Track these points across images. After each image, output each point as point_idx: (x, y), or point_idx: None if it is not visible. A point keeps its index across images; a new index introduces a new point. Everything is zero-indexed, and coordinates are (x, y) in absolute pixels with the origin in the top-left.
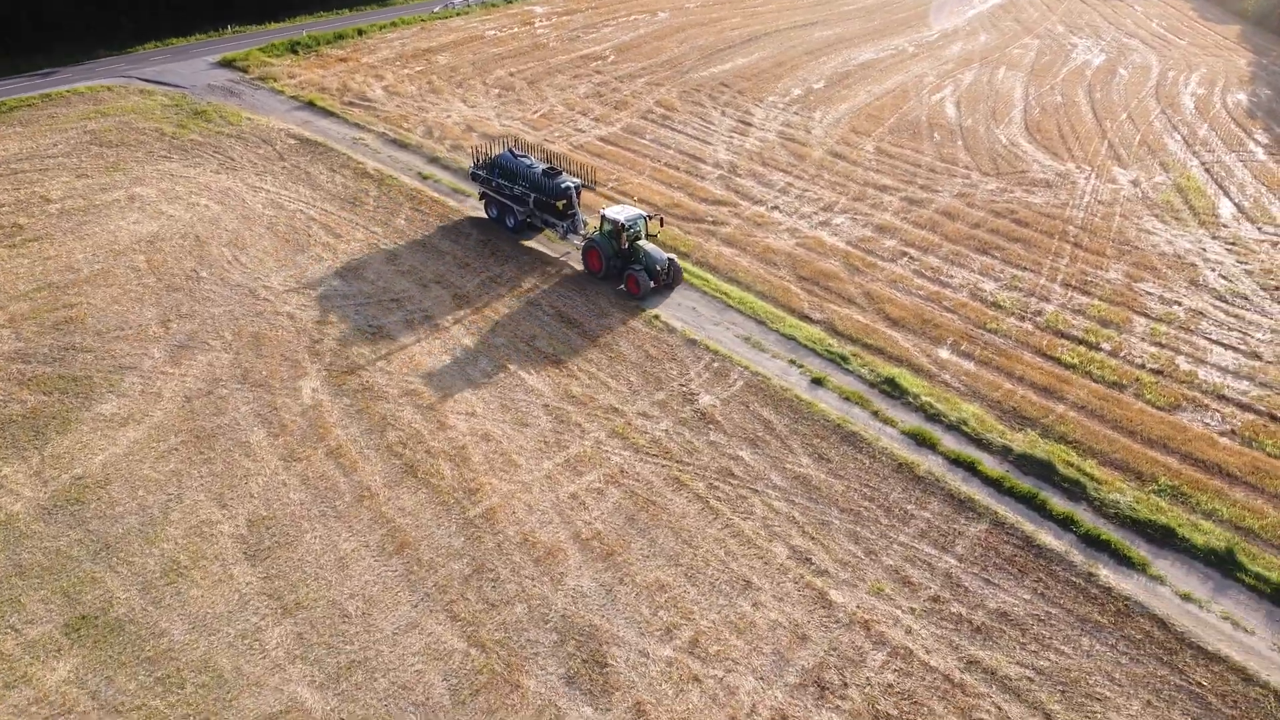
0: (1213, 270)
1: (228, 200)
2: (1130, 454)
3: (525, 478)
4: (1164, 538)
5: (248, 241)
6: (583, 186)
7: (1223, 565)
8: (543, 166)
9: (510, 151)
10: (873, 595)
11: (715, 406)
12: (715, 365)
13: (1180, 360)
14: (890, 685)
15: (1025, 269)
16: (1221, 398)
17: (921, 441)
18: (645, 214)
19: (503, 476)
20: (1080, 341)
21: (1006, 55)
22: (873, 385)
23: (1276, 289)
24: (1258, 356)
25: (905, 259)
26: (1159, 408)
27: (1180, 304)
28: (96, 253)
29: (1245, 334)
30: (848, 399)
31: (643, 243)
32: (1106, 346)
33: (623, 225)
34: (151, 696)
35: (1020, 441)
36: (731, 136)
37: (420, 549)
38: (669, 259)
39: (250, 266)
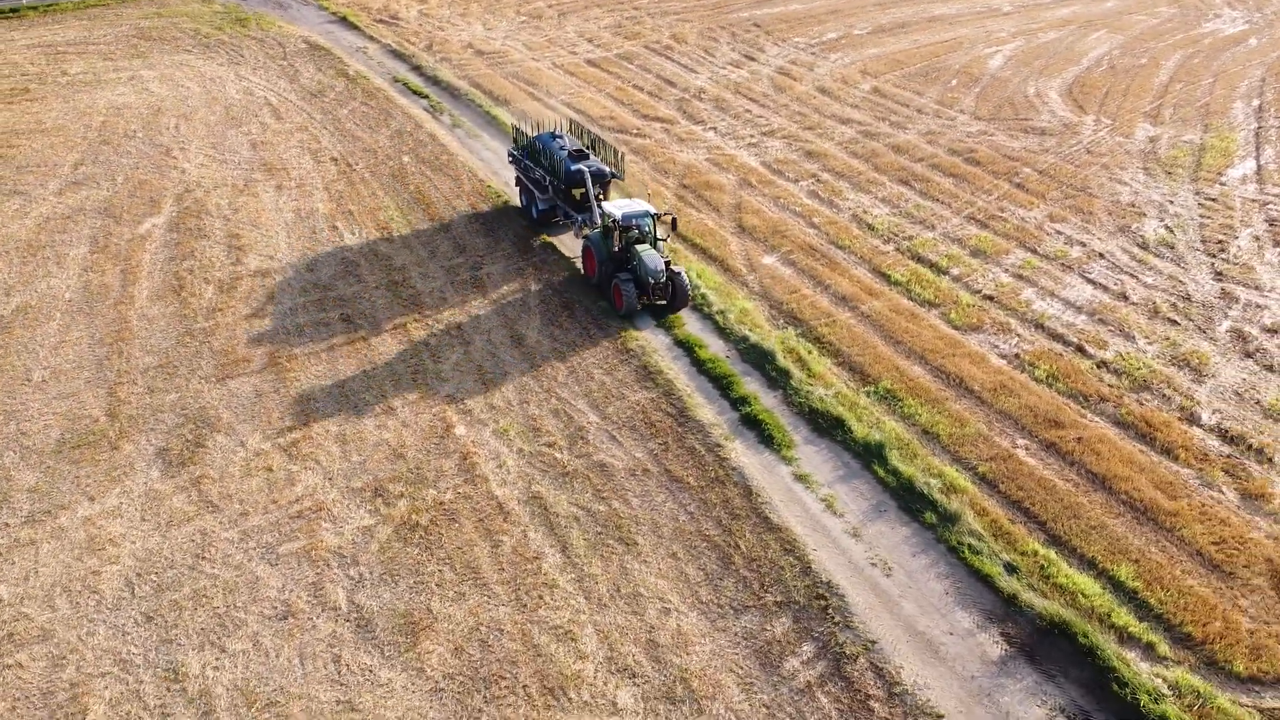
0: (1160, 221)
1: (210, 86)
2: (875, 359)
3: (271, 310)
4: (829, 428)
5: (198, 116)
6: (610, 175)
7: (867, 458)
8: (572, 147)
9: (551, 133)
10: (495, 435)
11: (491, 275)
12: (519, 243)
13: (1028, 291)
14: (442, 504)
15: (937, 200)
16: (1039, 327)
17: (660, 324)
18: (653, 211)
19: (249, 302)
20: (930, 265)
21: (1120, 21)
22: None
23: (1218, 243)
24: (1123, 298)
25: (810, 180)
26: (954, 326)
27: (1085, 245)
28: (67, 113)
29: (1134, 277)
30: None
31: (642, 247)
32: (955, 271)
33: (617, 221)
34: None
35: (761, 335)
36: (724, 69)
37: (132, 345)
38: (669, 271)
39: (183, 133)
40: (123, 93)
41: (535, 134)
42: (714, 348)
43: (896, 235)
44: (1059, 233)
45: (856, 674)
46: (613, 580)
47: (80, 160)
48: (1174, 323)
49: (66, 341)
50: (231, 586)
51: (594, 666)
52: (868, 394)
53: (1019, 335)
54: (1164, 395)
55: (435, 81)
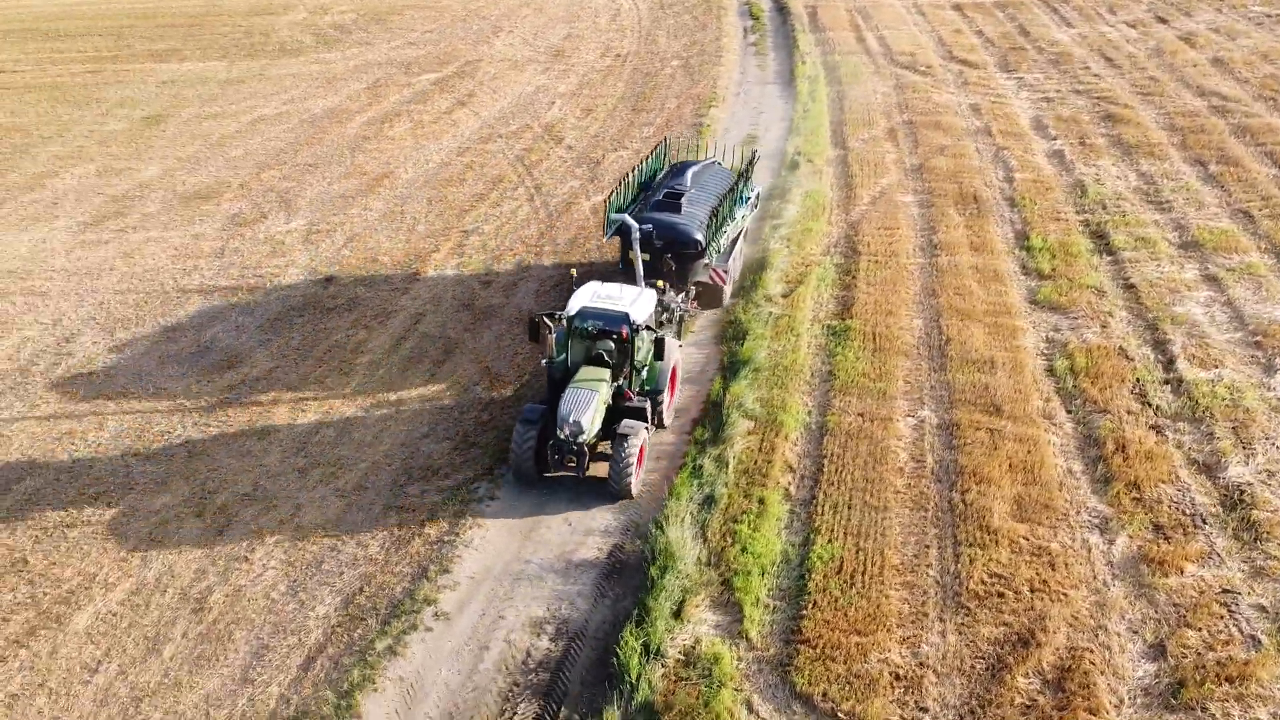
0: None
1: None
2: (882, 304)
3: (385, 143)
4: (733, 338)
5: (550, 10)
6: (691, 246)
7: (727, 371)
8: (677, 188)
9: (699, 162)
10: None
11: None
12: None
13: (1202, 294)
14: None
15: (1217, 186)
16: (1151, 328)
17: None
18: (634, 319)
19: (381, 140)
20: (1100, 240)
21: None
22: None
23: None
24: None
25: (1072, 142)
26: (1032, 301)
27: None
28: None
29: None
30: None
31: (587, 375)
32: (1126, 255)
33: (565, 320)
34: None
35: (790, 252)
36: (1112, 27)
37: (240, 147)
38: (608, 430)
39: (525, 21)
40: None
41: (685, 160)
42: None
43: (1103, 207)
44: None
45: None
46: None
47: (430, 29)
48: None
49: (255, 131)
50: None
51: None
52: (826, 327)
53: (1107, 329)
54: (1210, 434)
55: (781, 8)
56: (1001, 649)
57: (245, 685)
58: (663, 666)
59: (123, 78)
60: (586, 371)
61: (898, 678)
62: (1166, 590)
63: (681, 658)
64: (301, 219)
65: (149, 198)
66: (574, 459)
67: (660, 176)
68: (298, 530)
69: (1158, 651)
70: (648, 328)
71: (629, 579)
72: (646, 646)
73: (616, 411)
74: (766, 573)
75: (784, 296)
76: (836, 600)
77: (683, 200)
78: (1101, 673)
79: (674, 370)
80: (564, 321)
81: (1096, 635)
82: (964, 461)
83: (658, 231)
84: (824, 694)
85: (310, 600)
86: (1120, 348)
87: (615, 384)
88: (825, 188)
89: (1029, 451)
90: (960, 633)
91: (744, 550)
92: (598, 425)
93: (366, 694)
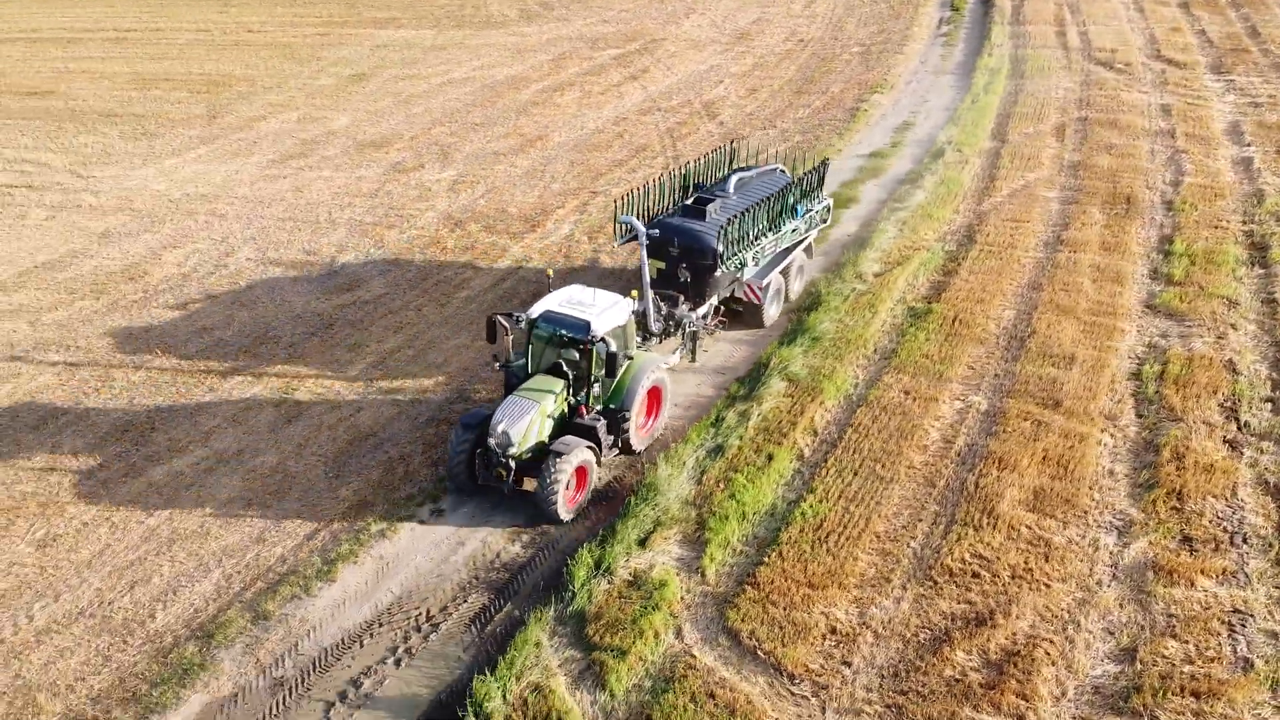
0: None
1: None
2: (975, 291)
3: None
4: (807, 308)
5: None
6: (708, 255)
7: (791, 335)
8: (716, 194)
9: (758, 169)
10: None
11: None
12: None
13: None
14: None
15: None
16: (1277, 345)
17: None
18: (595, 329)
19: (553, 107)
20: (1256, 250)
21: None
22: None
23: None
24: None
25: (1269, 149)
26: (1148, 305)
27: None
28: None
29: None
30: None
31: (535, 386)
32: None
33: (527, 322)
34: None
35: (900, 237)
36: None
37: (378, 127)
38: (542, 447)
39: (711, 7)
40: None
41: (747, 165)
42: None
43: (1277, 219)
44: None
45: None
46: None
47: (626, 8)
48: None
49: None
50: None
51: None
52: (908, 308)
53: (1223, 339)
54: None
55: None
56: (953, 624)
57: (257, 544)
58: (608, 583)
59: (345, 40)
60: (537, 380)
61: (833, 631)
62: (1167, 600)
63: (630, 579)
64: (453, 170)
65: (331, 143)
66: (503, 471)
67: (714, 181)
68: (351, 427)
69: (1127, 655)
70: (603, 339)
71: (616, 506)
72: (599, 563)
73: (568, 427)
74: (746, 520)
75: (876, 276)
76: (803, 554)
77: (710, 207)
78: (1052, 663)
79: (656, 390)
80: (523, 323)
81: (1065, 629)
82: (993, 447)
83: (676, 239)
84: (751, 633)
85: (338, 483)
86: (1230, 360)
87: (575, 398)
88: (965, 177)
89: (1071, 447)
90: (916, 602)
91: (732, 497)
92: (533, 439)
93: (347, 564)
